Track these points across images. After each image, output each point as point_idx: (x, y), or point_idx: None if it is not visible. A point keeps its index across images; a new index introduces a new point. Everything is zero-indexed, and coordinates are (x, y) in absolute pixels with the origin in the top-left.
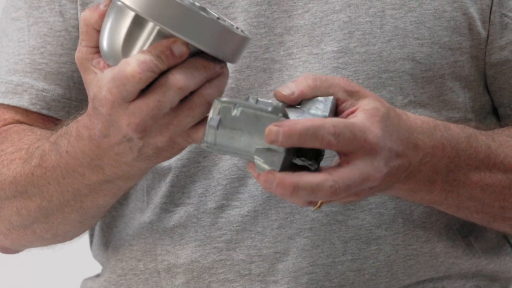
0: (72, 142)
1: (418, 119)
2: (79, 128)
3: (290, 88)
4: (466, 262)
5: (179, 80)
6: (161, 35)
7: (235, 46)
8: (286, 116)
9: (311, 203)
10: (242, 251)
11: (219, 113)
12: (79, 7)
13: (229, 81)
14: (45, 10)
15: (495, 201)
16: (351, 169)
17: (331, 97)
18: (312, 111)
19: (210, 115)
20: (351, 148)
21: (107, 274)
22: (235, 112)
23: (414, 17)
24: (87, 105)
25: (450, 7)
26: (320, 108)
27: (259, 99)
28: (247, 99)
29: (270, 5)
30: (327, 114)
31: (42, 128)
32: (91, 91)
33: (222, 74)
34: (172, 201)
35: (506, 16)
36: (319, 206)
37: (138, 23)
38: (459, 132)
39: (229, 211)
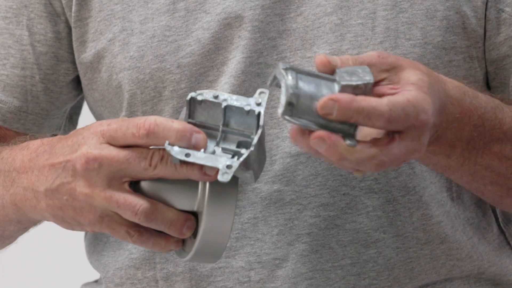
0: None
1: (450, 83)
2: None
3: (336, 59)
4: (468, 264)
5: None
6: None
7: None
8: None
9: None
10: (242, 258)
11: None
12: (73, 19)
13: (225, 86)
14: (12, 21)
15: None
16: (398, 147)
17: (366, 67)
18: (354, 78)
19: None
20: (402, 127)
21: (105, 283)
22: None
23: (406, 17)
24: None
25: (442, 6)
26: (361, 76)
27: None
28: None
29: (263, 9)
30: (372, 80)
31: None
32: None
33: None
34: None
35: (503, 11)
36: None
37: None
38: (487, 101)
39: None
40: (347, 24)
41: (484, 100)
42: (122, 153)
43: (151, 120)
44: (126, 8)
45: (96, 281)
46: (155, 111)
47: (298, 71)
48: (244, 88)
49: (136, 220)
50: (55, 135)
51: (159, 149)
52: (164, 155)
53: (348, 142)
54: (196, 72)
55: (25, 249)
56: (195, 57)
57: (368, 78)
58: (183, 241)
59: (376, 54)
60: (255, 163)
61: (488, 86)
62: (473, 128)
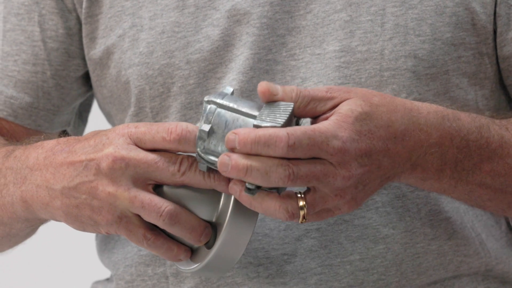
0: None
1: (425, 109)
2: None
3: (278, 88)
4: (476, 261)
5: None
6: None
7: None
8: None
9: (293, 216)
10: (250, 253)
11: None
12: (83, 16)
13: (233, 83)
14: (23, 18)
15: (507, 187)
16: (314, 163)
17: (291, 104)
18: (268, 118)
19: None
20: (314, 154)
21: (116, 281)
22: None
23: (415, 14)
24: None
25: (452, 2)
26: (277, 116)
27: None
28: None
29: (272, 6)
30: (280, 124)
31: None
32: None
33: None
34: None
35: None
36: (304, 218)
37: None
38: (470, 121)
39: None
40: (357, 21)
41: (467, 121)
42: (150, 156)
43: (183, 126)
44: (136, 5)
45: (107, 279)
46: (163, 107)
47: (220, 105)
48: (253, 84)
49: (159, 222)
50: (65, 131)
51: (188, 156)
52: (193, 163)
53: (247, 185)
54: (204, 68)
55: (36, 247)
56: (204, 53)
57: (279, 120)
58: (192, 252)
59: (324, 89)
60: None
61: (503, 85)
62: (457, 150)
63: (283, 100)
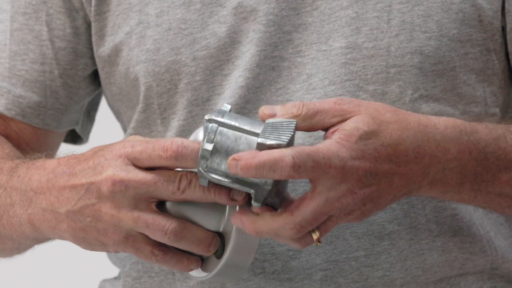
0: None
1: (442, 125)
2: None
3: (276, 107)
4: (481, 259)
5: None
6: None
7: None
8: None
9: (308, 245)
10: None
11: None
12: (92, 15)
13: (239, 79)
14: (31, 17)
15: None
16: (313, 199)
17: (294, 121)
18: (272, 136)
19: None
20: (316, 175)
21: (123, 278)
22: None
23: (421, 10)
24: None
25: None
26: (281, 133)
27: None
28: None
29: (278, 3)
30: (285, 142)
31: (12, 133)
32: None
33: None
34: None
35: None
36: (319, 241)
37: None
38: (488, 133)
39: None
40: (363, 18)
41: (484, 133)
42: (149, 176)
43: (178, 142)
44: (143, 1)
45: (115, 278)
46: (171, 103)
47: (221, 124)
48: (259, 81)
49: (165, 240)
50: (74, 130)
51: (187, 172)
52: (192, 179)
53: (254, 204)
54: (211, 65)
55: (44, 246)
56: (210, 50)
57: (284, 138)
58: (202, 261)
59: (332, 101)
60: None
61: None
62: (476, 163)
63: (283, 116)
